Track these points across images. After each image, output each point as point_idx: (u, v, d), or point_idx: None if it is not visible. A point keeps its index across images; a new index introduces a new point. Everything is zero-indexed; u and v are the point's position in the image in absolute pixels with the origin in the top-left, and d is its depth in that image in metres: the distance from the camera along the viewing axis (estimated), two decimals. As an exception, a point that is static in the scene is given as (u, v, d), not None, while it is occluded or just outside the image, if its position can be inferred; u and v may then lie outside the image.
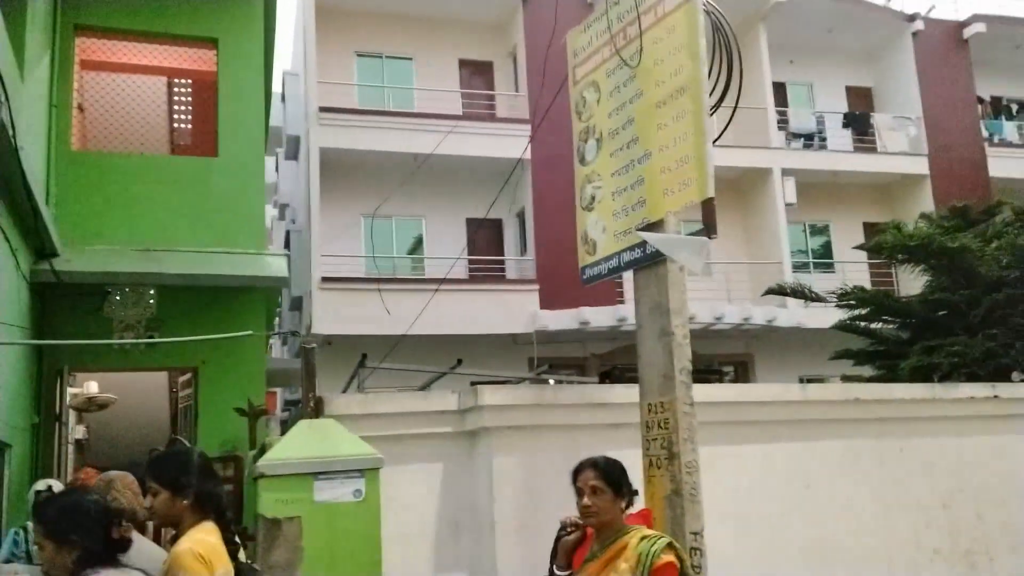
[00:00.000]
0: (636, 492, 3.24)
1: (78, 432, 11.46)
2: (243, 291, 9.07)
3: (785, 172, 17.88)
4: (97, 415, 11.79)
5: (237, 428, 7.82)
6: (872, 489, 5.80)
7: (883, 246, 7.90)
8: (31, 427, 8.11)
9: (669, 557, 2.99)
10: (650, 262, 4.07)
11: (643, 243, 4.06)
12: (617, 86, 4.36)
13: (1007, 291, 7.16)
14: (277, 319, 23.30)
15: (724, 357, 17.34)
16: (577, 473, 3.21)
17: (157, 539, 5.01)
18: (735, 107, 4.46)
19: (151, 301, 8.84)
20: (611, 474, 3.15)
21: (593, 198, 4.49)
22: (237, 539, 3.11)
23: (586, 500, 3.11)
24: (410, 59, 18.03)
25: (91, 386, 10.88)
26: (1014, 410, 6.49)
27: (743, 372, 17.57)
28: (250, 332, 7.05)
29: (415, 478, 4.81)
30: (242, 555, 3.14)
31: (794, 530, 5.41)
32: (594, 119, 4.53)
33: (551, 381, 8.17)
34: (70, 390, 10.52)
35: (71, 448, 10.56)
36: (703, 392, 5.00)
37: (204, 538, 2.86)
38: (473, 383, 7.17)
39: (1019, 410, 6.52)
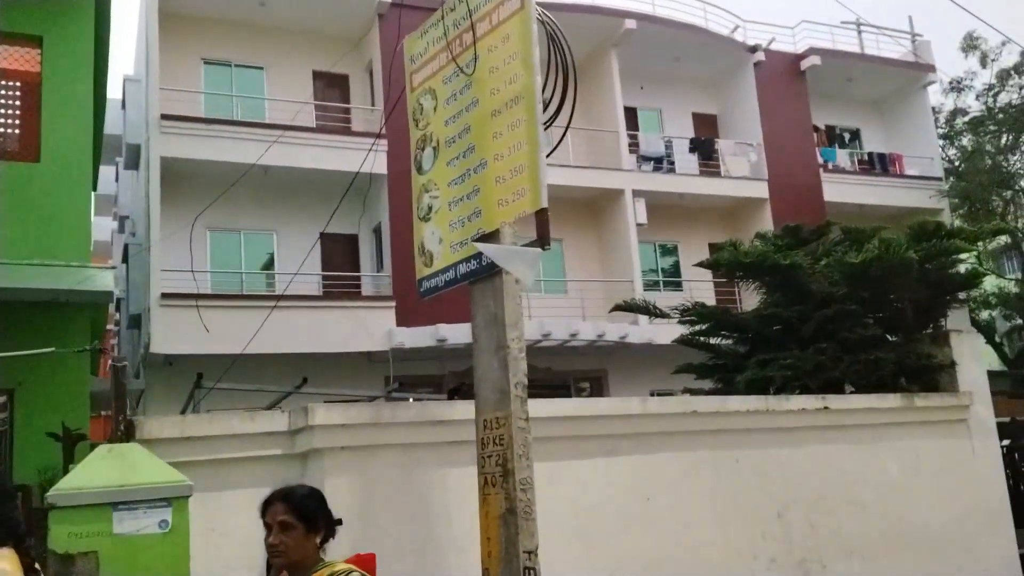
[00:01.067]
0: (339, 522, 2.90)
1: None
2: (65, 307, 8.42)
3: (636, 194, 18.39)
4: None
5: (57, 455, 7.21)
6: (710, 500, 5.90)
7: (720, 263, 8.15)
8: None
9: None
10: (486, 274, 3.96)
11: (479, 255, 3.95)
12: (454, 93, 4.25)
13: (836, 307, 7.51)
14: (116, 339, 21.92)
15: (580, 373, 17.57)
16: (266, 506, 2.81)
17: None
18: (570, 119, 4.43)
19: (-42, 318, 8.05)
20: (304, 507, 2.78)
21: (430, 208, 4.35)
22: (37, 565, 2.79)
23: (272, 538, 2.72)
24: (261, 68, 17.44)
25: None
26: (843, 421, 6.79)
27: (598, 388, 17.85)
28: (52, 349, 6.51)
29: (239, 505, 4.48)
30: None
31: (635, 545, 5.42)
32: (431, 127, 4.40)
33: (411, 399, 7.94)
34: None
35: None
36: (543, 407, 4.93)
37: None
38: (326, 403, 6.87)
39: (848, 421, 6.83)
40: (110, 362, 4.71)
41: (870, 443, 6.95)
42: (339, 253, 16.89)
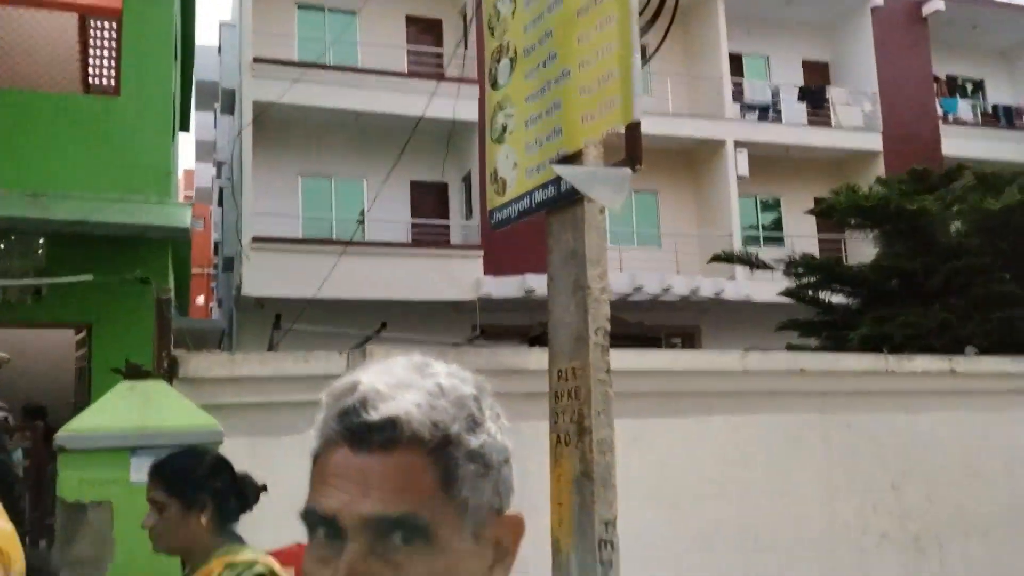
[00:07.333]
0: (262, 489, 2.29)
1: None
2: (145, 243, 8.27)
3: (738, 144, 17.40)
4: (-1, 377, 10.95)
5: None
6: (816, 468, 5.29)
7: (836, 208, 7.35)
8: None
9: None
10: (566, 202, 3.43)
11: (558, 180, 3.42)
12: (534, -7, 3.69)
13: (968, 259, 6.65)
14: (215, 280, 22.31)
15: (672, 329, 16.90)
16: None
17: None
18: (671, 21, 3.80)
19: (39, 252, 8.00)
20: (177, 480, 2.22)
21: (504, 128, 3.83)
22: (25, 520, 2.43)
23: (145, 519, 2.21)
24: (354, 13, 17.10)
25: (-18, 346, 9.99)
26: (971, 386, 6.02)
27: (690, 344, 17.14)
28: (89, 277, 6.29)
29: (293, 453, 4.14)
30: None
31: (728, 513, 4.87)
32: (508, 35, 3.86)
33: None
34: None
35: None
36: (628, 359, 4.41)
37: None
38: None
39: (976, 386, 6.06)
40: (160, 296, 4.39)
41: (1000, 411, 6.16)
42: (429, 201, 16.65)
